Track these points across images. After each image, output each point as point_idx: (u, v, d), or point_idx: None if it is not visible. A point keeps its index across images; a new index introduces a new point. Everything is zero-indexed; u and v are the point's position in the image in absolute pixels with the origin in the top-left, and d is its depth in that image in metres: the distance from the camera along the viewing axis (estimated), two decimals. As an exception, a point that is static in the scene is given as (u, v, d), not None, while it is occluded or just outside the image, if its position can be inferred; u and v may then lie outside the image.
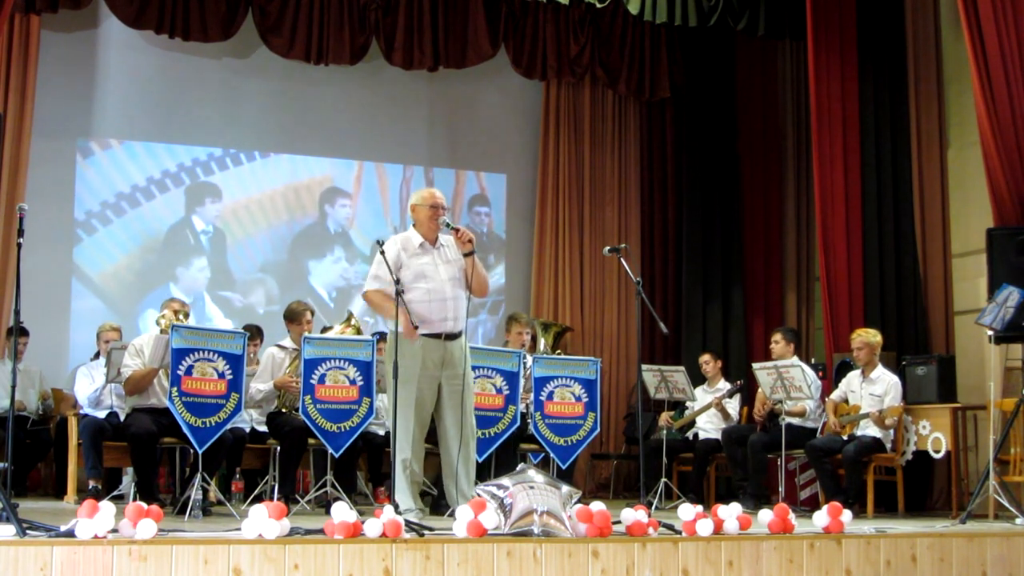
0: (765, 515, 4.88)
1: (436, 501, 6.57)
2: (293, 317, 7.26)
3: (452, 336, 5.64)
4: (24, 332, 7.84)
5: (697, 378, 8.60)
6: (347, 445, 6.48)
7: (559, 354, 8.93)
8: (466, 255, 5.63)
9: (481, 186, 10.61)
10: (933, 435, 7.41)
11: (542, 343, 9.26)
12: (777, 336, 8.05)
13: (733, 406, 8.39)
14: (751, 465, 7.62)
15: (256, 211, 10.00)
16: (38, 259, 8.27)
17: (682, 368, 8.45)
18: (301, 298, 8.31)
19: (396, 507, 4.76)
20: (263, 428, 7.19)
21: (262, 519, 4.02)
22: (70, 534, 3.85)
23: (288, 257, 10.05)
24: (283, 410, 6.97)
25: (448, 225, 5.61)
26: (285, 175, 10.08)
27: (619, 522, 4.57)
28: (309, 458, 7.21)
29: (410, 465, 5.61)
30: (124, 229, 9.54)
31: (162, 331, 6.48)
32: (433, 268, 5.61)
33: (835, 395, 7.75)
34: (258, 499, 6.64)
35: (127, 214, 9.56)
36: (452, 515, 4.91)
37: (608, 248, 6.38)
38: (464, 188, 10.57)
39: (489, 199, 10.64)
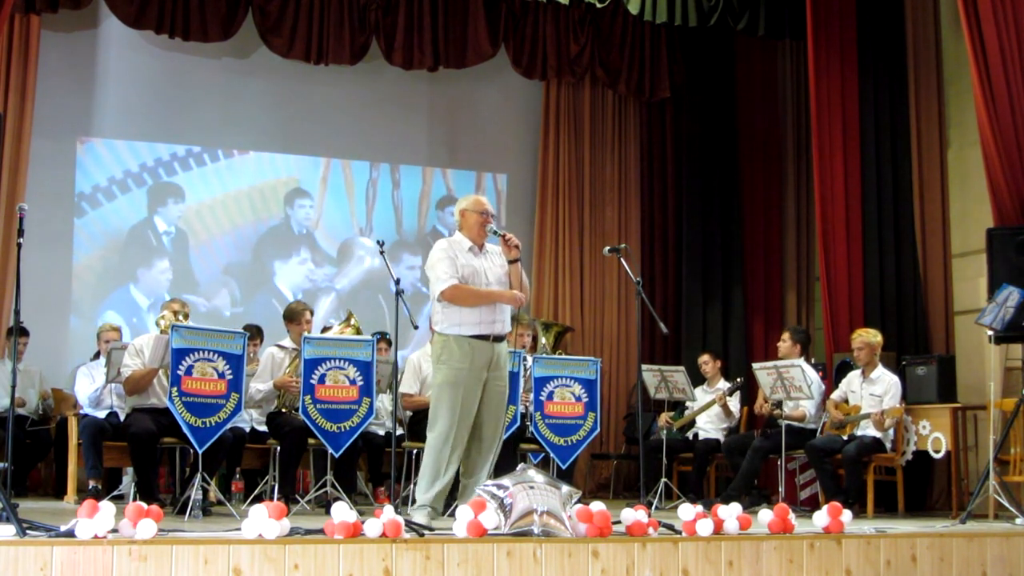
0: (765, 515, 4.88)
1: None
2: (293, 317, 7.26)
3: (499, 338, 5.65)
4: (24, 332, 7.84)
5: (697, 378, 8.60)
6: (347, 445, 6.48)
7: (559, 354, 8.94)
8: (512, 261, 5.63)
9: (448, 186, 10.49)
10: (933, 435, 7.41)
11: (543, 343, 9.26)
12: (785, 335, 8.05)
13: (734, 403, 8.40)
14: (745, 465, 7.61)
15: (260, 209, 10.03)
16: (38, 259, 8.27)
17: (682, 368, 8.46)
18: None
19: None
20: (263, 428, 7.19)
21: (262, 519, 4.02)
22: (70, 534, 3.85)
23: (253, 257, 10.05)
24: (283, 410, 6.97)
25: (495, 232, 5.62)
26: (276, 174, 10.08)
27: (619, 522, 4.57)
28: (309, 458, 7.21)
29: (446, 468, 5.51)
30: (86, 228, 9.48)
31: (162, 331, 6.48)
32: (482, 271, 5.62)
33: (835, 395, 7.75)
34: (258, 499, 6.64)
35: (91, 213, 9.51)
36: (452, 515, 4.90)
37: (608, 248, 6.38)
38: (431, 188, 10.46)
39: (457, 199, 10.49)
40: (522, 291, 5.65)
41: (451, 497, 5.98)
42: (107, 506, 3.87)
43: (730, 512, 4.78)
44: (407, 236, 10.36)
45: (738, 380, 8.40)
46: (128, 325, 9.05)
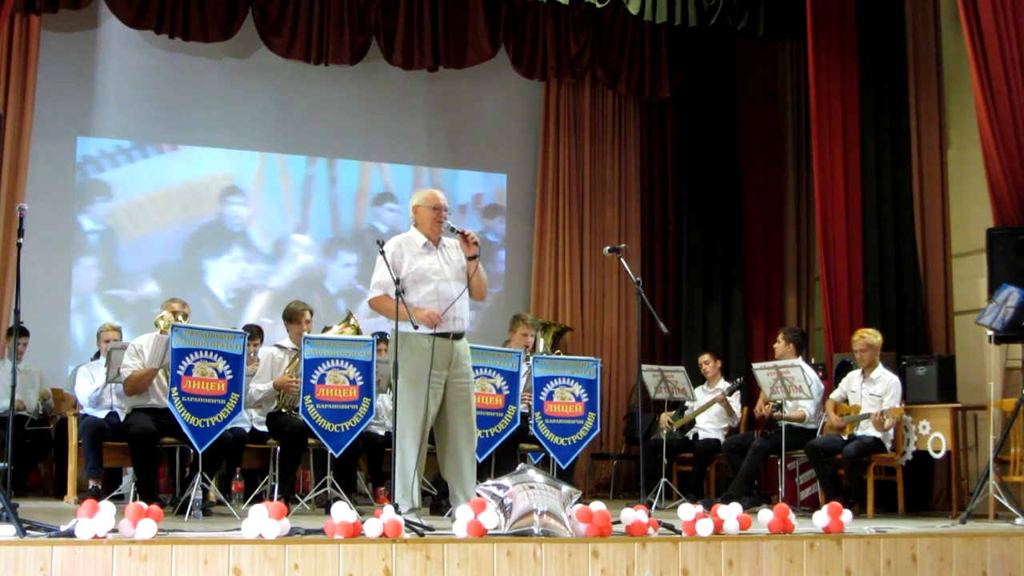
0: (765, 515, 4.88)
1: (436, 501, 6.58)
2: (292, 317, 7.26)
3: (459, 336, 5.63)
4: (24, 332, 7.84)
5: (697, 378, 8.60)
6: (347, 445, 6.48)
7: (559, 354, 8.93)
8: (471, 258, 5.62)
9: (386, 182, 10.30)
10: (933, 435, 7.41)
11: (541, 343, 9.26)
12: (779, 336, 8.06)
13: (735, 403, 8.40)
14: (745, 465, 7.61)
15: (192, 207, 9.89)
16: (38, 259, 8.27)
17: (682, 368, 8.46)
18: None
19: (396, 507, 4.76)
20: (263, 428, 7.19)
21: (262, 519, 4.03)
22: (70, 534, 3.85)
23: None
24: (283, 410, 6.97)
25: (453, 229, 5.60)
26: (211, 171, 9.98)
27: (619, 522, 4.57)
28: (309, 458, 7.22)
29: (416, 465, 5.56)
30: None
31: (161, 331, 6.48)
32: (439, 268, 5.60)
33: (835, 395, 7.75)
34: (258, 499, 6.65)
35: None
36: (452, 515, 4.90)
37: (608, 248, 6.37)
38: (369, 184, 10.25)
39: (396, 196, 10.26)
40: (479, 286, 5.68)
41: (444, 500, 5.99)
42: (107, 506, 3.87)
43: (730, 512, 4.78)
44: (343, 233, 10.13)
45: (738, 380, 8.41)
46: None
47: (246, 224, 9.91)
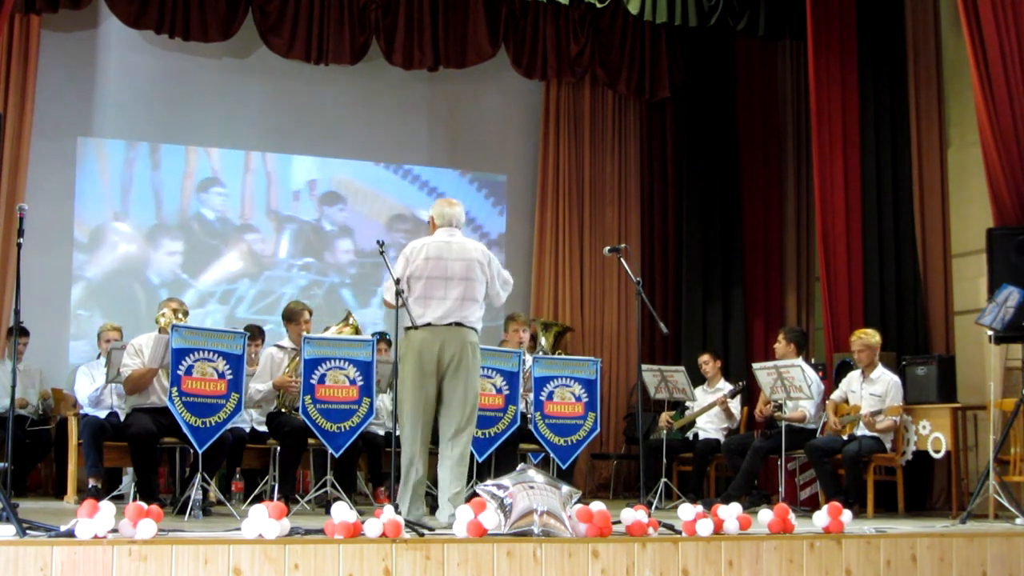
0: (765, 515, 4.88)
1: (436, 501, 6.58)
2: (291, 317, 7.26)
3: (459, 325, 5.73)
4: (24, 332, 7.84)
5: (697, 378, 8.59)
6: (347, 445, 6.48)
7: (559, 354, 8.94)
8: None
9: (213, 168, 9.79)
10: (933, 435, 7.41)
11: (543, 343, 9.26)
12: (780, 336, 8.05)
13: (735, 405, 8.40)
14: (745, 465, 7.61)
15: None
16: (38, 259, 8.26)
17: (682, 368, 8.46)
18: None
19: (396, 507, 4.76)
20: (263, 428, 7.19)
21: (262, 519, 4.03)
22: (70, 534, 3.86)
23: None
24: (283, 410, 6.97)
25: None
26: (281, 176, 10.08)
27: (619, 522, 4.58)
28: (309, 458, 7.22)
29: (412, 463, 5.61)
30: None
31: (161, 330, 6.48)
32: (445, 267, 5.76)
33: (835, 395, 7.75)
34: (258, 499, 6.64)
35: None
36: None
37: (608, 248, 6.38)
38: (195, 169, 9.76)
39: (223, 181, 9.83)
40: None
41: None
42: (107, 506, 3.87)
43: (730, 512, 4.78)
44: (167, 220, 9.70)
45: (740, 383, 8.40)
46: None
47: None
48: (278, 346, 7.20)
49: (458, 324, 5.63)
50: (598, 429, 7.14)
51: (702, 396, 8.51)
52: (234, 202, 9.92)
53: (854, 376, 7.67)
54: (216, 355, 6.03)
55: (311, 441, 6.70)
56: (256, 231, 9.94)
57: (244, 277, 9.85)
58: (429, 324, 5.60)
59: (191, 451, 6.19)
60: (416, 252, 5.70)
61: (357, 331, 7.18)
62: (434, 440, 5.99)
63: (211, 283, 9.73)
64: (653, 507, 7.04)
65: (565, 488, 4.55)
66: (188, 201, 9.77)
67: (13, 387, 5.18)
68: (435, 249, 5.70)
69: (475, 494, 4.52)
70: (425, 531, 4.43)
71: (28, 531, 4.07)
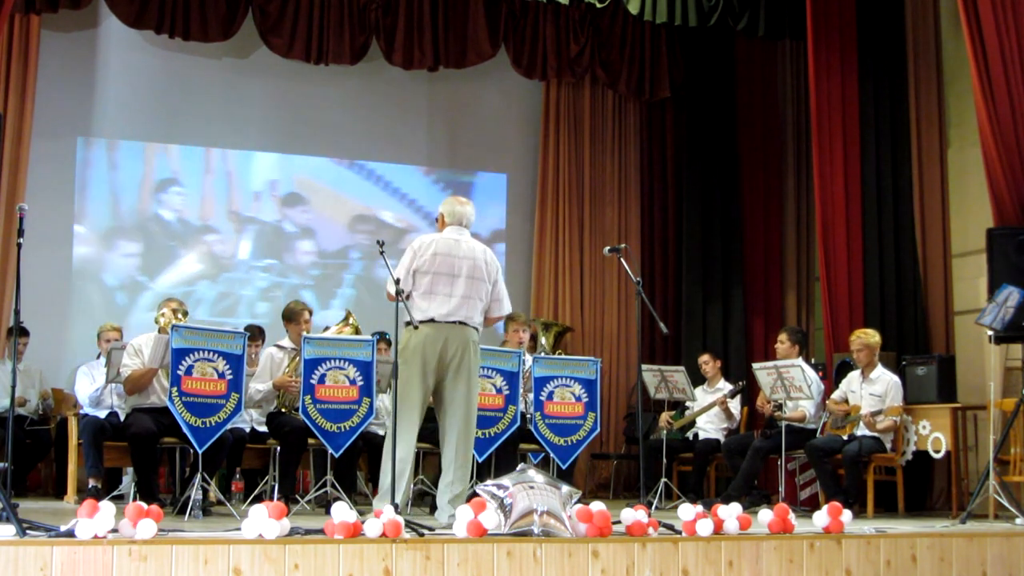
0: (765, 515, 4.88)
1: (436, 501, 6.58)
2: (291, 317, 7.26)
3: (462, 324, 5.77)
4: (24, 332, 7.85)
5: (697, 378, 8.59)
6: (347, 445, 6.48)
7: (559, 354, 8.93)
8: None
9: (172, 168, 9.68)
10: (933, 435, 7.41)
11: (542, 343, 9.26)
12: (783, 336, 8.04)
13: (735, 405, 8.40)
14: (745, 465, 7.61)
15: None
16: (38, 259, 8.27)
17: (682, 368, 8.46)
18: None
19: (396, 507, 4.76)
20: (263, 428, 7.18)
21: (262, 519, 4.03)
22: (70, 534, 3.86)
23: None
24: (283, 410, 6.97)
25: None
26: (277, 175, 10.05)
27: (619, 522, 4.58)
28: (309, 458, 7.22)
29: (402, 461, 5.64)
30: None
31: (161, 330, 6.48)
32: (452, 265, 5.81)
33: (835, 395, 7.75)
34: (258, 499, 6.64)
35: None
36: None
37: (608, 248, 6.38)
38: (153, 169, 9.62)
39: (180, 179, 9.70)
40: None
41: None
42: (107, 506, 3.87)
43: (730, 512, 4.78)
44: (124, 221, 9.58)
45: (740, 383, 8.40)
46: None
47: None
48: (278, 346, 7.21)
49: (462, 323, 5.64)
50: (598, 429, 7.14)
51: (702, 396, 8.51)
52: (194, 203, 9.77)
53: (854, 376, 7.67)
54: (216, 355, 6.03)
55: (311, 441, 6.70)
56: (216, 232, 9.80)
57: (203, 279, 9.73)
58: (432, 320, 5.61)
59: (191, 451, 6.19)
60: (425, 247, 5.72)
61: (357, 331, 7.17)
62: (432, 440, 6.00)
63: (169, 285, 9.50)
64: (653, 507, 7.04)
65: (565, 488, 4.55)
66: (146, 202, 9.64)
67: (13, 387, 5.17)
68: (444, 246, 5.72)
69: (475, 494, 4.52)
70: (425, 531, 4.43)
71: (28, 531, 4.07)
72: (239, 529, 4.14)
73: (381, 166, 10.26)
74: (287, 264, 10.00)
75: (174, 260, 9.66)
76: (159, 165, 9.72)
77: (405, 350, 5.60)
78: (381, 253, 5.58)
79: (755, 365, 7.82)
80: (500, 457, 6.85)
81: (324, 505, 6.49)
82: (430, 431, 6.12)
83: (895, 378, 7.54)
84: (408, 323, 5.57)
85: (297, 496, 6.86)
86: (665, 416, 8.38)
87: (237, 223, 9.88)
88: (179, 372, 5.92)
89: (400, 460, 5.49)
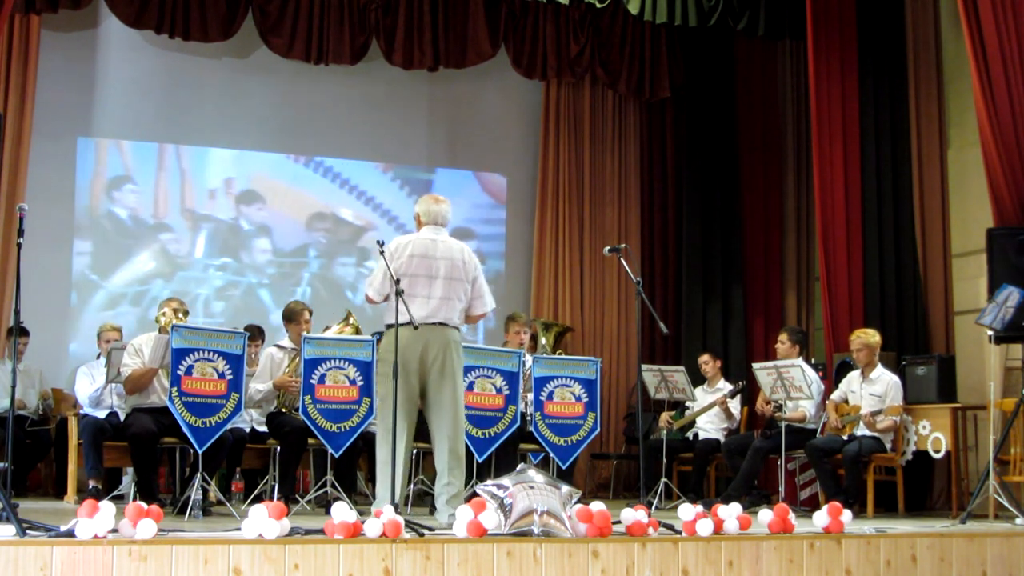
0: (765, 515, 4.88)
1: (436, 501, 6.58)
2: (291, 317, 7.26)
3: (441, 326, 5.74)
4: (24, 332, 7.84)
5: (697, 378, 8.59)
6: (347, 445, 6.48)
7: (559, 354, 8.93)
8: None
9: (126, 165, 9.49)
10: (933, 435, 7.41)
11: (543, 343, 9.26)
12: (783, 336, 8.04)
13: (735, 405, 8.40)
14: (745, 465, 7.61)
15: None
16: (38, 259, 8.26)
17: (682, 368, 8.46)
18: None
19: (396, 507, 4.77)
20: (263, 428, 7.19)
21: (262, 519, 4.03)
22: (70, 534, 3.86)
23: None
24: (283, 410, 6.97)
25: None
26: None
27: (619, 522, 4.58)
28: (309, 458, 7.22)
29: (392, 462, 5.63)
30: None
31: (161, 329, 6.48)
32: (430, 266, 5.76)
33: (835, 395, 7.75)
34: (258, 499, 6.64)
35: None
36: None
37: (608, 248, 6.38)
38: (106, 167, 9.46)
39: (134, 176, 9.53)
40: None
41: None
42: (107, 506, 3.87)
43: (730, 512, 4.78)
44: (78, 218, 9.41)
45: (740, 383, 8.40)
46: None
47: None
48: (278, 346, 7.21)
49: (442, 324, 5.61)
50: (598, 429, 7.14)
51: (702, 396, 8.51)
52: (147, 200, 9.66)
53: (854, 376, 7.67)
54: (216, 355, 6.03)
55: (311, 441, 6.70)
56: (171, 230, 9.66)
57: (157, 278, 9.59)
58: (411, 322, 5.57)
59: (191, 451, 6.19)
60: (401, 249, 5.66)
61: (357, 331, 7.17)
62: (426, 438, 5.99)
63: (122, 284, 9.45)
64: (653, 507, 7.04)
65: (565, 488, 4.55)
66: (98, 199, 9.50)
67: (13, 387, 5.17)
68: (420, 247, 5.65)
69: (475, 494, 4.52)
70: (425, 531, 4.43)
71: (28, 531, 4.07)
72: (239, 529, 4.14)
73: (339, 163, 10.14)
74: (244, 263, 9.86)
75: (128, 258, 9.51)
76: (112, 162, 9.57)
77: (386, 352, 5.58)
78: (381, 253, 5.57)
79: (755, 365, 7.82)
80: (500, 457, 6.85)
81: (324, 505, 6.49)
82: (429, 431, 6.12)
83: (895, 378, 7.54)
84: (389, 326, 5.57)
85: (297, 496, 6.86)
86: (665, 416, 8.38)
87: (192, 221, 9.73)
88: (179, 372, 5.92)
89: (391, 465, 5.47)
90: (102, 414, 7.14)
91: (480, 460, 6.59)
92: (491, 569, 4.17)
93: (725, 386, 8.46)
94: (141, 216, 9.64)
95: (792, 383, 7.33)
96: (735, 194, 10.53)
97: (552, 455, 6.96)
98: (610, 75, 10.43)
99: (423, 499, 7.15)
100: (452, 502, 5.46)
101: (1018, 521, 6.05)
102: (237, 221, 9.89)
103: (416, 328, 5.47)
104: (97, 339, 7.90)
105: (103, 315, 8.83)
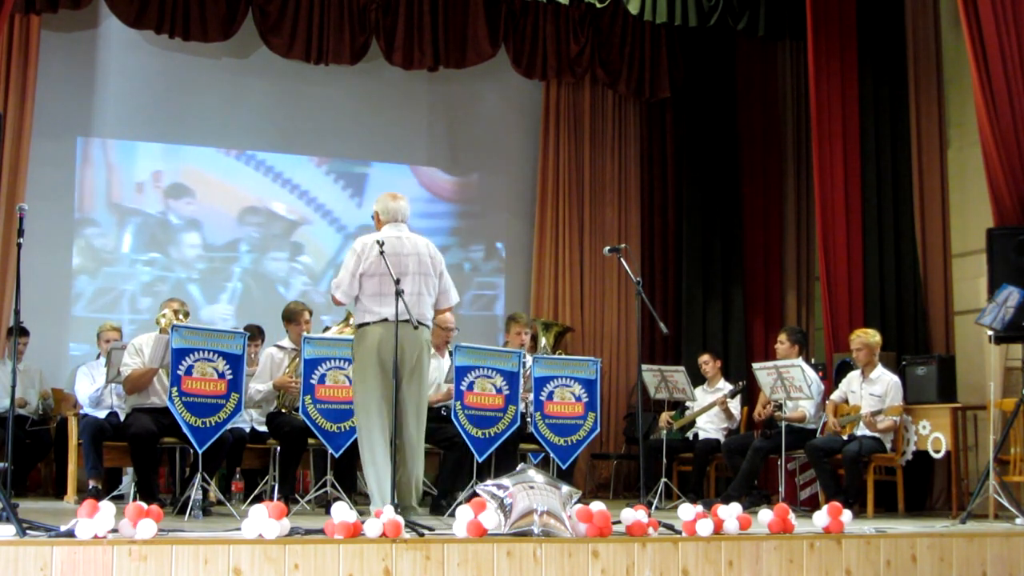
0: (765, 515, 4.88)
1: (436, 501, 6.59)
2: (291, 317, 7.26)
3: (417, 326, 5.73)
4: (24, 332, 7.84)
5: (697, 378, 8.59)
6: (347, 445, 6.48)
7: (559, 354, 8.93)
8: None
9: (109, 163, 9.44)
10: (933, 435, 7.41)
11: (543, 343, 9.26)
12: (783, 336, 8.04)
13: (735, 405, 8.40)
14: (745, 465, 7.61)
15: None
16: (38, 259, 8.26)
17: (682, 368, 8.46)
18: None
19: (396, 507, 4.77)
20: (263, 428, 7.19)
21: (262, 519, 4.03)
22: (70, 534, 3.86)
23: None
24: (283, 410, 6.98)
25: None
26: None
27: (619, 522, 4.58)
28: (309, 458, 7.22)
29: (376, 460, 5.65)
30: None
31: (161, 330, 6.49)
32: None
33: (835, 395, 7.76)
34: (258, 499, 6.64)
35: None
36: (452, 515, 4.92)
37: (608, 248, 6.38)
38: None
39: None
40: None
41: (443, 500, 5.99)
42: (107, 506, 3.87)
43: (730, 512, 4.78)
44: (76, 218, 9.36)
45: (740, 383, 8.40)
46: None
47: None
48: (278, 346, 7.21)
49: (418, 324, 5.56)
50: (598, 429, 7.13)
51: (702, 396, 8.51)
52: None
53: (854, 376, 7.67)
54: (216, 355, 6.03)
55: (311, 441, 6.70)
56: (96, 225, 9.49)
57: (82, 274, 9.41)
58: (386, 320, 5.56)
59: (191, 451, 6.19)
60: (368, 249, 5.64)
61: (358, 331, 7.17)
62: (431, 439, 6.00)
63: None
64: (653, 507, 7.04)
65: (565, 488, 4.55)
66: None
67: (13, 387, 5.18)
68: (388, 245, 5.61)
69: (475, 494, 4.52)
70: (425, 531, 4.43)
71: (28, 531, 4.07)
72: (239, 529, 4.14)
73: (271, 156, 9.97)
74: (172, 258, 9.67)
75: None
76: (96, 160, 9.47)
77: (361, 351, 5.58)
78: (381, 253, 5.56)
79: (755, 365, 7.82)
80: (500, 457, 6.85)
81: (324, 505, 6.50)
82: (430, 430, 6.12)
83: (895, 378, 7.54)
84: (360, 326, 5.59)
85: (297, 496, 6.87)
86: (665, 416, 8.38)
87: (119, 215, 9.54)
88: (179, 372, 5.92)
89: (381, 465, 5.47)
90: (102, 414, 7.14)
91: (480, 460, 6.59)
92: (491, 569, 4.17)
93: (725, 386, 8.46)
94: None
95: (792, 383, 7.33)
96: (735, 194, 10.52)
97: (552, 455, 6.96)
98: (610, 75, 10.43)
99: (423, 499, 7.14)
100: (410, 495, 5.53)
101: (1018, 521, 6.05)
102: (165, 215, 9.66)
103: (416, 327, 5.47)
104: (97, 339, 7.91)
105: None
